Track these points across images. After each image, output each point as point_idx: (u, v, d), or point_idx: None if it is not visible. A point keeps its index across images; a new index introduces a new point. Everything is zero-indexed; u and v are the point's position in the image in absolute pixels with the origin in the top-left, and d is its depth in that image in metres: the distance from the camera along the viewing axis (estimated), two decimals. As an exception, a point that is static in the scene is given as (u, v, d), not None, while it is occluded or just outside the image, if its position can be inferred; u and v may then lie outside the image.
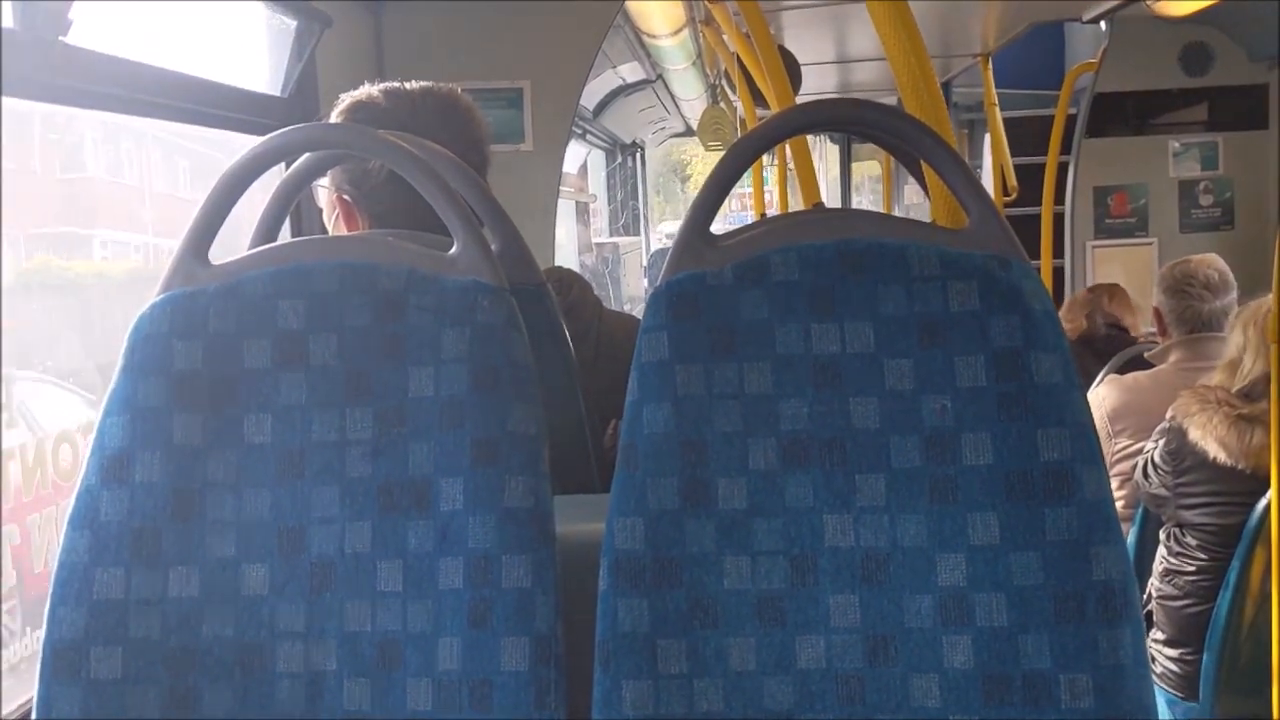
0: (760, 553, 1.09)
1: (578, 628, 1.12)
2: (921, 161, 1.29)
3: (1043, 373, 1.09)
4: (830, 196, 11.13)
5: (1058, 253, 6.06)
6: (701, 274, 1.12)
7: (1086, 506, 1.07)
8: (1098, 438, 1.10)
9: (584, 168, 9.58)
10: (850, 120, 1.25)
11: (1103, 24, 5.61)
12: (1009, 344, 1.09)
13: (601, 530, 1.11)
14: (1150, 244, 5.84)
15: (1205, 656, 2.75)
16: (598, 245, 9.55)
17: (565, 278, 1.72)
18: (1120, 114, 5.85)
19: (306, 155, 1.33)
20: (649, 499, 1.09)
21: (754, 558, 1.09)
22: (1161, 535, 2.97)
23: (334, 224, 1.61)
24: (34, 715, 1.12)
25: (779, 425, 1.10)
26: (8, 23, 1.60)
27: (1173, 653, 2.87)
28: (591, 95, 7.46)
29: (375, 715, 1.09)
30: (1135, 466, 3.06)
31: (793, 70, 4.94)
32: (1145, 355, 3.62)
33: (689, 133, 11.39)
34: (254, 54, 2.78)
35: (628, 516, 1.09)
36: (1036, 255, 6.09)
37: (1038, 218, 6.11)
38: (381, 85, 1.62)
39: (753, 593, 1.08)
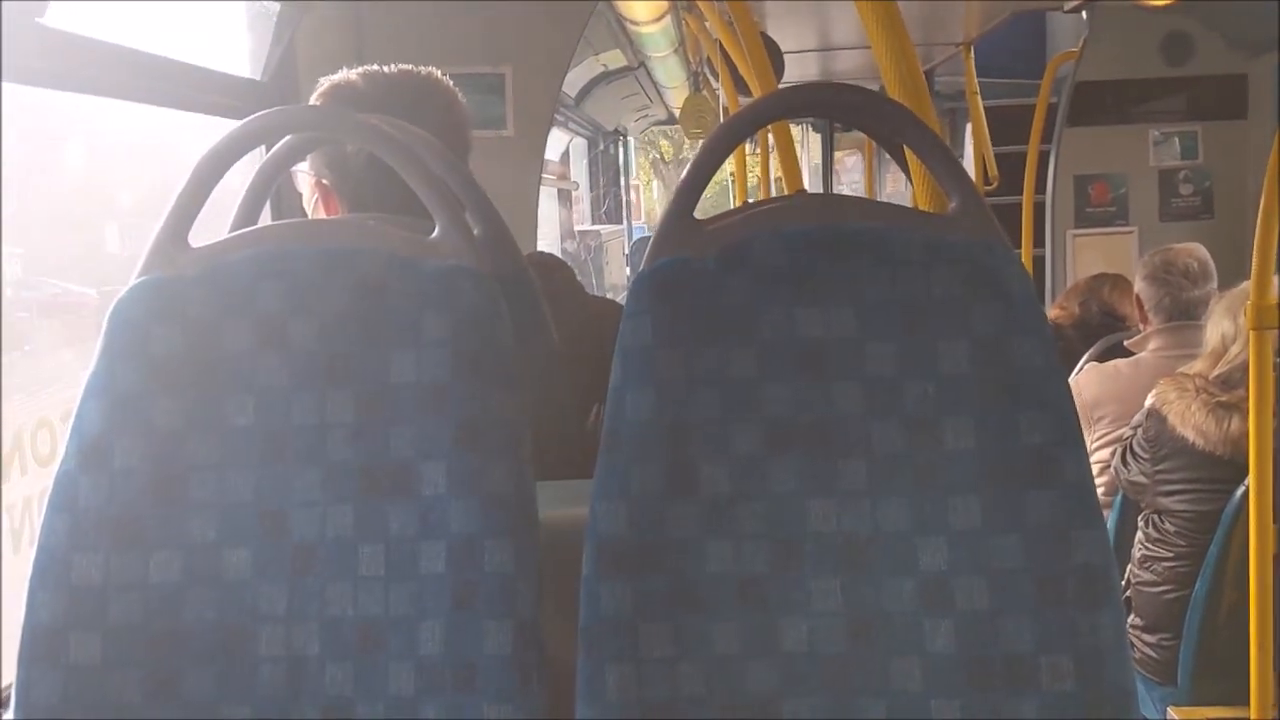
0: (743, 537, 1.09)
1: (561, 612, 1.12)
2: (904, 147, 1.29)
3: (1025, 357, 1.09)
4: (812, 185, 11.12)
5: (1038, 242, 6.08)
6: (685, 259, 1.12)
7: (1068, 490, 1.07)
8: (1079, 422, 1.10)
9: (566, 155, 9.56)
10: (834, 105, 1.25)
11: (1084, 13, 5.63)
12: (991, 329, 1.09)
13: (584, 515, 1.10)
14: (1130, 233, 5.86)
15: (1183, 642, 2.78)
16: (580, 233, 9.54)
17: (548, 263, 1.71)
18: (1101, 103, 5.87)
19: (286, 139, 1.32)
20: (632, 484, 1.09)
21: (737, 542, 1.09)
22: (1140, 522, 2.99)
23: (313, 209, 1.60)
24: (13, 700, 1.12)
25: (762, 410, 1.10)
26: (-16, 4, 1.58)
27: (1151, 638, 2.88)
28: (573, 82, 7.44)
29: (358, 698, 1.09)
30: (1114, 453, 3.08)
31: (775, 58, 4.94)
32: (1125, 343, 3.64)
33: (671, 120, 11.38)
34: (234, 38, 2.76)
35: (611, 501, 1.09)
36: (1017, 244, 6.11)
37: (1019, 207, 6.12)
38: (361, 69, 1.61)
39: (735, 577, 1.08)
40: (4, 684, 1.78)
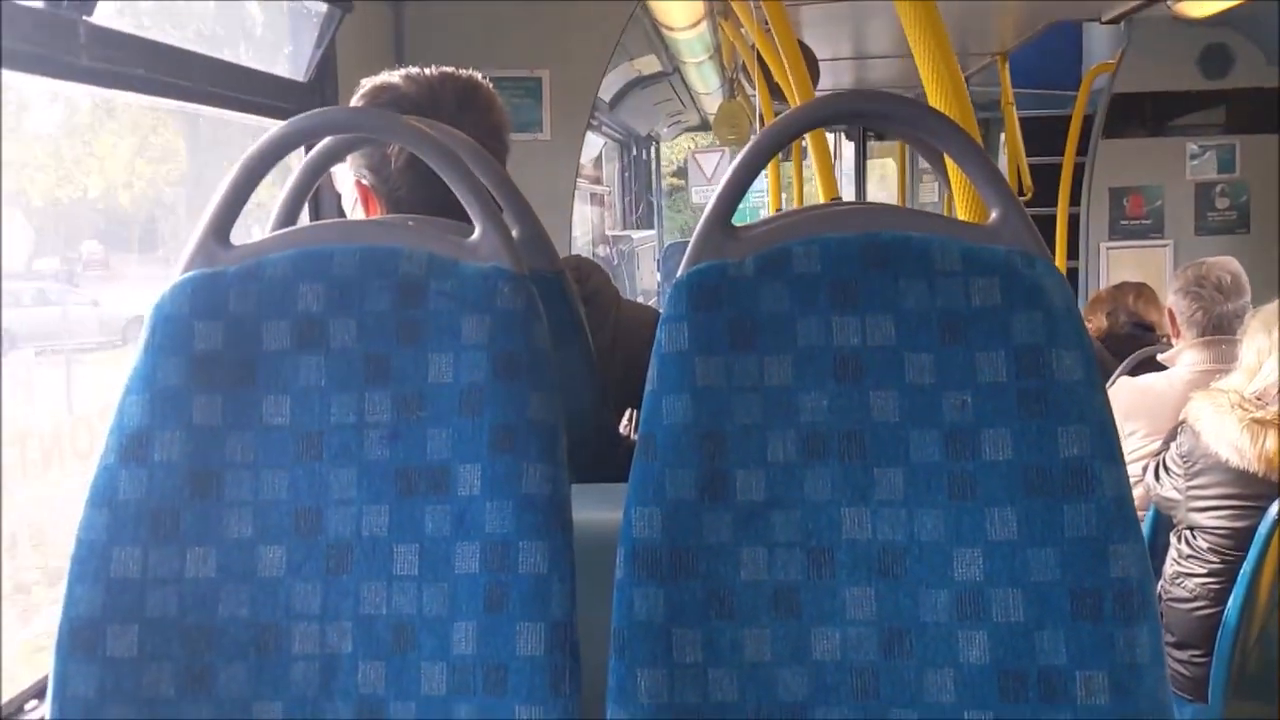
0: (777, 544, 1.09)
1: (593, 616, 1.12)
2: (944, 156, 1.29)
3: (1064, 369, 1.09)
4: (845, 193, 11.08)
5: (1072, 254, 6.06)
6: (723, 264, 1.12)
7: (1106, 504, 1.07)
8: (1118, 436, 1.09)
9: (599, 159, 9.57)
10: (875, 114, 1.25)
11: (1121, 24, 5.60)
12: (1030, 340, 1.09)
13: (618, 519, 1.11)
14: (1165, 246, 5.83)
15: (1214, 659, 2.75)
16: (613, 237, 9.54)
17: (584, 266, 1.71)
18: (1138, 115, 5.84)
19: (327, 139, 1.33)
20: (667, 489, 1.09)
21: (771, 549, 1.09)
22: (1172, 538, 2.97)
23: (353, 210, 1.61)
24: (50, 691, 1.13)
25: (798, 417, 1.10)
26: (34, 1, 1.60)
27: (1182, 655, 2.86)
28: (608, 87, 7.45)
29: (390, 697, 1.09)
30: (1146, 468, 3.06)
31: (811, 66, 4.94)
32: (1158, 357, 3.62)
33: (705, 126, 11.38)
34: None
35: (645, 506, 1.09)
36: (1051, 256, 6.08)
37: (1053, 218, 6.10)
38: (403, 71, 1.62)
39: (769, 584, 1.08)
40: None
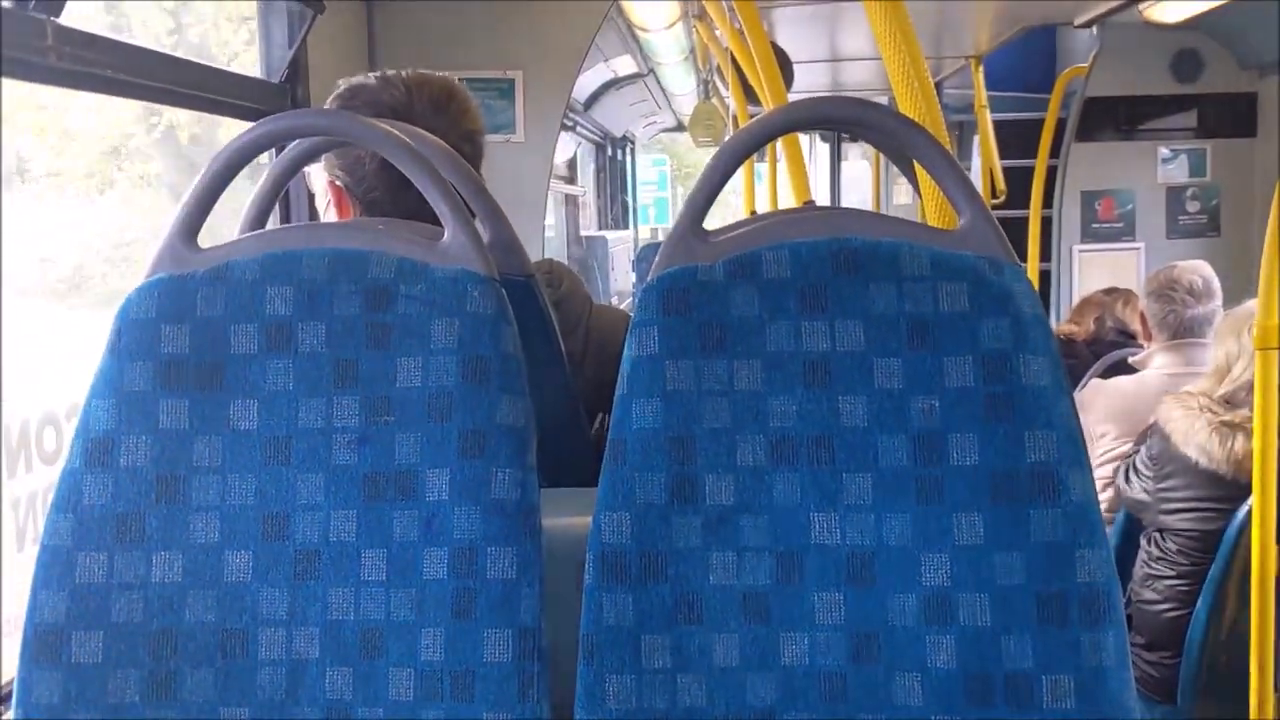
0: (746, 549, 1.09)
1: (562, 621, 1.12)
2: (914, 162, 1.29)
3: (1031, 375, 1.09)
4: (820, 196, 11.09)
5: (1044, 256, 6.08)
6: (693, 269, 1.12)
7: (1072, 509, 1.08)
8: (1084, 442, 1.10)
9: (573, 160, 9.56)
10: (845, 119, 1.25)
11: (1094, 28, 5.63)
12: (998, 346, 1.10)
13: (588, 524, 1.11)
14: (1137, 249, 5.87)
15: (1183, 661, 2.77)
16: (587, 238, 9.53)
17: (555, 270, 1.71)
18: (1110, 119, 5.88)
19: (299, 141, 1.33)
20: (636, 494, 1.09)
21: (740, 554, 1.09)
22: (1142, 540, 2.98)
23: (326, 210, 1.60)
24: (14, 698, 1.12)
25: (768, 422, 1.10)
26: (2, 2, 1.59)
27: (1151, 656, 2.88)
28: (582, 88, 7.45)
29: (356, 703, 1.09)
30: (1117, 470, 3.08)
31: (785, 68, 4.94)
32: (1129, 360, 3.64)
33: (680, 128, 11.39)
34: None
35: (615, 511, 1.09)
36: (1023, 258, 6.10)
37: (1025, 221, 6.12)
38: (379, 73, 1.62)
39: (738, 589, 1.09)
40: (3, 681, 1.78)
